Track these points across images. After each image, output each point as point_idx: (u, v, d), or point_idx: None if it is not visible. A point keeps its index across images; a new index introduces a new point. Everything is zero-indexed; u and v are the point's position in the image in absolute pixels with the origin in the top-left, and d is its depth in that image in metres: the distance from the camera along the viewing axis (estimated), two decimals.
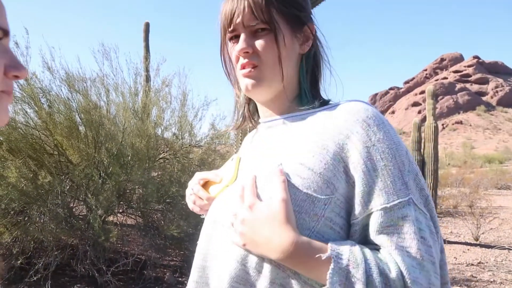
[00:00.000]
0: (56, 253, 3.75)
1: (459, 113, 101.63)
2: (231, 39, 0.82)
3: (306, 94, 0.83)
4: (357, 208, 0.68)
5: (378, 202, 0.66)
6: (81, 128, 4.51)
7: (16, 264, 3.57)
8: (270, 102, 0.85)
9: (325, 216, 0.68)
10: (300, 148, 0.74)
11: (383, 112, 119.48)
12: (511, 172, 22.64)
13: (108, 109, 4.84)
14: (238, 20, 0.78)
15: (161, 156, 4.98)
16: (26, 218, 3.81)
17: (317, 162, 0.70)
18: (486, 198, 10.25)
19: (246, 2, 0.77)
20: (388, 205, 0.65)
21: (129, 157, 4.43)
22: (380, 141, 0.69)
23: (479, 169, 25.46)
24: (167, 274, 4.29)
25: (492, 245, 7.01)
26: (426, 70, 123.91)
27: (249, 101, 0.93)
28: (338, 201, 0.69)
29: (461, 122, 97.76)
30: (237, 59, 0.81)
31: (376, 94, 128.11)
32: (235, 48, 0.80)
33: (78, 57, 4.91)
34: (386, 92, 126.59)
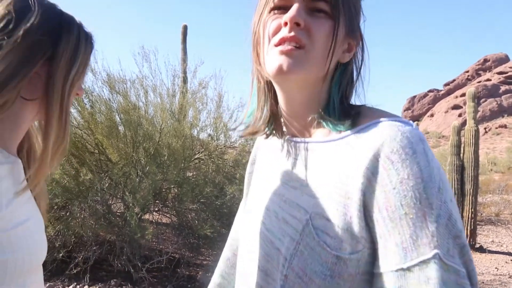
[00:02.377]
0: (94, 248, 3.90)
1: (503, 116, 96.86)
2: (275, 8, 0.67)
3: (335, 108, 0.69)
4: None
5: (393, 261, 0.53)
6: (121, 128, 4.68)
7: (58, 257, 3.75)
8: (298, 108, 0.72)
9: (360, 272, 0.59)
10: (326, 195, 0.64)
11: (422, 115, 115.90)
12: None
13: (146, 110, 4.99)
14: None
15: (196, 157, 5.07)
16: (68, 213, 3.99)
17: (342, 217, 0.60)
18: None
19: None
20: (405, 266, 0.52)
21: (166, 157, 4.54)
22: (403, 182, 0.54)
23: None
24: (200, 273, 4.36)
25: None
26: (468, 71, 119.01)
27: (273, 97, 0.77)
28: (369, 250, 0.59)
29: (505, 126, 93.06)
30: (276, 31, 0.66)
31: (415, 97, 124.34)
32: (284, 17, 0.64)
33: (119, 59, 5.09)
34: (425, 95, 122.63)
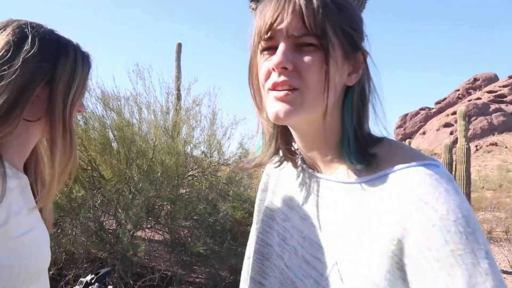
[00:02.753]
0: (86, 265, 3.85)
1: (493, 134, 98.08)
2: (265, 49, 0.65)
3: (349, 141, 0.65)
4: None
5: None
6: (114, 144, 4.68)
7: (49, 275, 3.69)
8: (311, 141, 0.70)
9: None
10: (352, 240, 0.60)
11: (414, 133, 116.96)
12: None
13: (140, 127, 5.01)
14: (281, 26, 0.61)
15: (189, 174, 5.07)
16: (59, 230, 3.95)
17: (380, 274, 0.55)
18: None
19: (295, 5, 0.60)
20: None
21: (159, 174, 4.54)
22: (444, 218, 0.50)
23: None
24: None
25: None
26: (458, 90, 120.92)
27: (281, 131, 0.75)
28: None
29: (496, 144, 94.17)
30: (268, 76, 0.64)
31: (407, 115, 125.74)
32: (270, 61, 0.62)
33: (113, 76, 5.13)
34: (417, 113, 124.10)
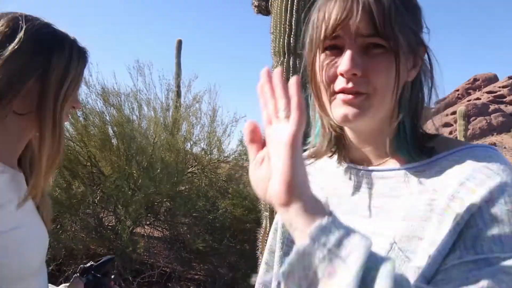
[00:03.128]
0: (85, 261, 3.85)
1: (492, 135, 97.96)
2: (327, 48, 0.63)
3: (406, 134, 0.65)
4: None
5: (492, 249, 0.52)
6: (114, 140, 4.68)
7: (48, 270, 3.69)
8: (368, 137, 0.69)
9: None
10: (410, 217, 0.61)
11: None
12: None
13: (140, 123, 5.00)
14: (350, 24, 0.59)
15: (189, 171, 5.07)
16: (58, 226, 3.95)
17: (436, 235, 0.57)
18: None
19: (364, 4, 0.59)
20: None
21: (159, 170, 4.54)
22: (508, 184, 0.55)
23: None
24: (191, 287, 4.32)
25: None
26: (458, 90, 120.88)
27: (338, 130, 0.73)
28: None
29: (494, 144, 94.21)
30: (334, 78, 0.63)
31: None
32: (339, 67, 0.61)
33: (114, 72, 5.13)
34: None
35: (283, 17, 3.36)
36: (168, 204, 4.60)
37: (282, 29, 3.39)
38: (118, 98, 4.90)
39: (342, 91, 0.61)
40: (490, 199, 0.54)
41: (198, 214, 4.54)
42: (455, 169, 0.60)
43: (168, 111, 5.44)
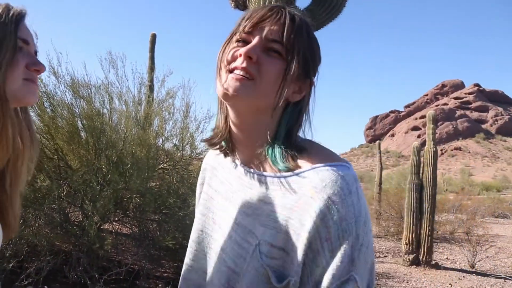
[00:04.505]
0: (49, 258, 3.70)
1: (458, 139, 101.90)
2: (238, 40, 0.77)
3: (280, 143, 0.77)
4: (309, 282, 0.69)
5: (326, 283, 0.66)
6: (83, 134, 4.53)
7: (8, 267, 3.53)
8: (248, 131, 0.80)
9: None
10: (276, 227, 0.74)
11: (383, 134, 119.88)
12: (508, 201, 22.56)
13: (110, 117, 4.86)
14: (262, 27, 0.74)
15: (160, 166, 4.98)
16: (21, 221, 3.79)
17: (289, 247, 0.71)
18: (483, 226, 10.20)
19: (279, 18, 0.74)
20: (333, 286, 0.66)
21: (129, 166, 4.42)
22: (342, 219, 0.66)
23: (477, 196, 25.39)
24: (160, 285, 4.24)
25: (488, 273, 6.95)
26: (427, 95, 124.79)
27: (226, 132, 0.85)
28: (298, 278, 0.71)
29: (460, 149, 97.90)
30: (232, 60, 0.75)
31: (377, 117, 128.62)
32: (241, 49, 0.74)
33: (85, 63, 4.94)
34: (387, 115, 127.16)
35: None
36: (138, 200, 4.49)
37: None
38: (88, 90, 4.74)
39: (235, 69, 0.73)
40: (317, 236, 0.67)
41: (169, 211, 4.47)
42: (301, 192, 0.72)
43: (140, 105, 5.32)
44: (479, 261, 7.59)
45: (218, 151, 0.92)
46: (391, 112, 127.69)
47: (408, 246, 7.49)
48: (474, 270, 7.26)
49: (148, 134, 4.78)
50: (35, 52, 0.89)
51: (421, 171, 7.80)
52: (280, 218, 0.73)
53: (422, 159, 7.92)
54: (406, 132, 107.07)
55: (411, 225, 7.55)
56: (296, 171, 0.74)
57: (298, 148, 0.77)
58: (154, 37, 8.63)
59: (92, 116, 4.41)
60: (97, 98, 4.78)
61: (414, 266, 7.27)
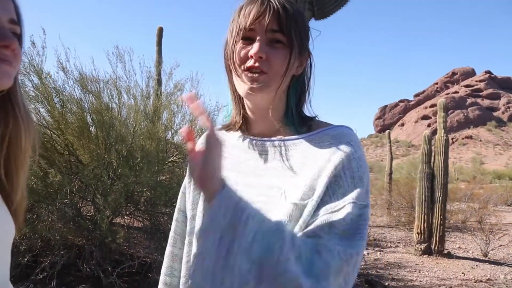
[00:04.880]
0: (62, 252, 3.75)
1: (469, 128, 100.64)
2: (243, 38, 0.85)
3: (293, 113, 0.90)
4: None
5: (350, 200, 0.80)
6: (92, 128, 4.55)
7: (23, 262, 3.58)
8: (264, 113, 0.91)
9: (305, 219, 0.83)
10: (297, 173, 0.86)
11: (392, 124, 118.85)
12: None
13: (119, 111, 4.87)
14: (262, 22, 0.82)
15: (170, 160, 4.99)
16: (34, 216, 3.83)
17: (311, 185, 0.82)
18: (496, 214, 10.09)
19: (274, 9, 0.82)
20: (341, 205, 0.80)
21: (139, 159, 4.44)
22: (360, 158, 0.83)
23: (489, 185, 25.08)
24: None
25: (502, 262, 6.88)
26: (437, 83, 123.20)
27: (242, 111, 0.96)
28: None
29: (471, 137, 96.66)
30: (244, 60, 0.85)
31: (386, 106, 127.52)
32: (250, 50, 0.83)
33: (93, 58, 4.96)
34: (396, 105, 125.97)
35: None
36: (149, 193, 4.52)
37: None
38: (97, 84, 4.75)
39: (250, 68, 0.83)
40: (341, 167, 0.81)
41: None
42: (323, 143, 0.86)
43: (149, 99, 5.32)
44: (492, 249, 7.52)
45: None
46: (401, 101, 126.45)
47: (419, 235, 7.44)
48: (487, 259, 7.20)
49: (157, 128, 4.79)
50: (17, 34, 0.78)
51: (432, 160, 7.71)
52: (306, 164, 0.85)
53: (433, 148, 7.82)
54: (416, 122, 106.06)
55: (423, 214, 7.49)
56: (313, 132, 0.89)
57: (307, 117, 0.93)
58: (161, 30, 8.61)
59: (101, 110, 4.43)
60: (105, 92, 4.79)
61: (426, 256, 7.23)
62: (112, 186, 3.97)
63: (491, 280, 5.81)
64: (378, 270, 6.05)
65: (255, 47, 0.82)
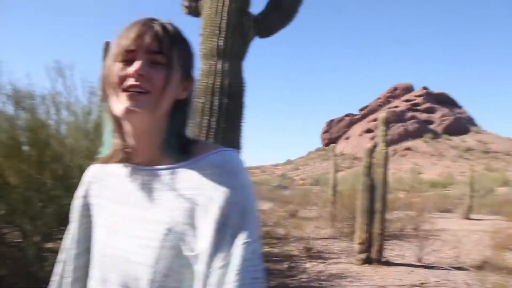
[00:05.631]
0: None
1: (408, 140, 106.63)
2: (124, 61, 0.82)
3: (174, 139, 0.87)
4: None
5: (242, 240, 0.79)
6: (25, 147, 4.31)
7: None
8: (146, 138, 0.87)
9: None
10: (180, 208, 0.82)
11: (339, 137, 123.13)
12: (452, 196, 23.96)
13: (57, 128, 4.67)
14: (143, 43, 0.81)
15: None
16: None
17: (196, 224, 0.80)
18: (430, 221, 10.72)
19: (155, 32, 0.82)
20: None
21: (77, 179, 4.26)
22: (245, 186, 0.81)
23: (425, 193, 26.68)
24: None
25: (434, 265, 7.34)
26: (380, 98, 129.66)
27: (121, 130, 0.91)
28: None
29: (409, 149, 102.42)
30: (122, 80, 0.81)
31: (332, 121, 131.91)
32: (130, 68, 0.80)
33: (29, 73, 4.71)
34: (342, 119, 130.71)
35: (212, 20, 3.30)
36: None
37: (211, 31, 3.33)
38: (32, 100, 4.52)
39: (130, 87, 0.80)
40: (225, 205, 0.78)
41: None
42: (204, 171, 0.82)
43: (90, 115, 5.14)
44: (426, 255, 7.98)
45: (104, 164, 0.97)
46: (346, 115, 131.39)
47: (360, 245, 7.73)
48: (421, 263, 7.63)
49: (97, 145, 4.64)
50: None
51: (373, 172, 8.08)
52: (187, 197, 0.82)
53: (374, 160, 8.19)
54: (360, 135, 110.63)
55: (364, 224, 7.79)
56: (194, 159, 0.85)
57: (190, 141, 0.89)
58: (107, 44, 8.37)
59: (36, 128, 4.22)
60: (42, 109, 4.58)
61: (367, 265, 7.51)
62: (44, 208, 3.77)
63: (424, 284, 6.17)
64: (320, 282, 6.20)
65: (135, 65, 0.80)
